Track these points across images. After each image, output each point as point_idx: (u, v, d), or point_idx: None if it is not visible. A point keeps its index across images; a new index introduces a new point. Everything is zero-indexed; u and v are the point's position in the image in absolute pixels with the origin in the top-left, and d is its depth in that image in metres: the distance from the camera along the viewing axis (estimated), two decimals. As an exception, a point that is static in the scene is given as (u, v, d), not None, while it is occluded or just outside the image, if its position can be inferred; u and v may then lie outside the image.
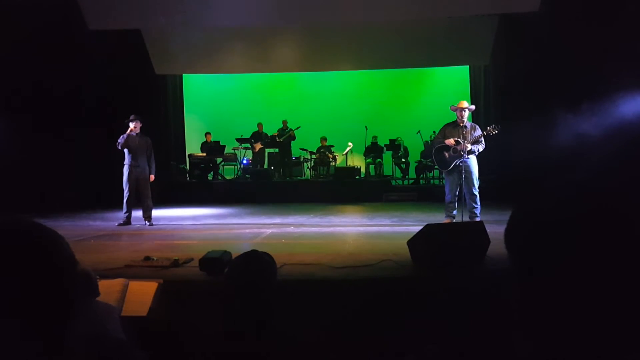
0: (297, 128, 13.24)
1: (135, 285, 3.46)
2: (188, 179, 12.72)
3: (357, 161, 13.74)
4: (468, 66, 13.41)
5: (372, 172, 13.25)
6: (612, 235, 0.68)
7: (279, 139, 13.16)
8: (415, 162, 12.93)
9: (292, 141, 13.40)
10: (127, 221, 7.55)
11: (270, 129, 13.55)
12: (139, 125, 7.56)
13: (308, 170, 13.45)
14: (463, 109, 6.71)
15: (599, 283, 0.68)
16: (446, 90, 13.59)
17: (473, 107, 7.05)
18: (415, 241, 4.26)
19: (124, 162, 7.55)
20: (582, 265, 0.68)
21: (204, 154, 12.74)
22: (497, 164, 10.48)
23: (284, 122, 13.55)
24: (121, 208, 7.56)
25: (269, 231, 6.85)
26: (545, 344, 0.71)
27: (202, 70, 14.05)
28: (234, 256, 2.42)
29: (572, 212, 0.71)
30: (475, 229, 4.32)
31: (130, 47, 11.13)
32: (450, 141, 6.69)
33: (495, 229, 4.36)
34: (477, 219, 6.42)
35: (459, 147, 6.65)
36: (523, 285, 0.75)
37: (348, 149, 13.28)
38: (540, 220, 0.73)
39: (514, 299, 0.76)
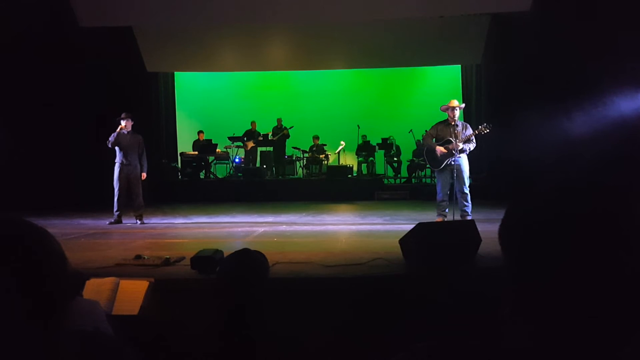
0: (291, 127, 13.23)
1: (126, 284, 3.45)
2: (180, 177, 12.67)
3: (350, 160, 13.75)
4: (460, 65, 13.46)
5: (365, 171, 13.27)
6: (606, 233, 0.69)
7: (273, 137, 13.15)
8: (407, 160, 12.96)
9: (286, 140, 13.39)
10: (118, 220, 7.52)
11: (263, 128, 13.53)
12: (130, 123, 7.52)
13: (300, 168, 13.45)
14: (454, 108, 6.74)
15: (593, 281, 0.68)
16: (438, 89, 13.62)
17: (463, 105, 7.09)
18: (406, 240, 4.27)
19: (115, 160, 7.52)
20: (576, 264, 0.69)
21: (196, 153, 12.70)
22: (488, 162, 10.55)
23: (279, 121, 13.54)
24: (112, 206, 7.52)
25: (261, 230, 6.85)
26: (537, 339, 0.72)
27: (194, 68, 14.00)
28: (225, 255, 2.41)
29: (566, 210, 0.71)
30: (467, 228, 4.34)
31: (122, 45, 11.06)
32: (441, 149, 6.71)
33: (486, 227, 4.39)
34: (469, 218, 6.45)
35: (450, 146, 6.68)
36: (517, 283, 0.75)
37: (340, 147, 13.29)
38: (535, 219, 0.74)
39: (507, 297, 0.77)
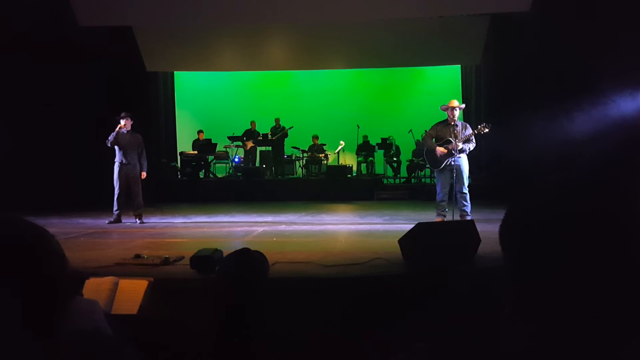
0: (290, 128, 13.23)
1: (125, 284, 3.45)
2: (179, 176, 12.67)
3: (349, 160, 13.75)
4: (460, 65, 13.46)
5: (364, 171, 13.27)
6: (607, 233, 0.69)
7: (272, 137, 13.15)
8: (407, 160, 12.96)
9: (285, 139, 13.39)
10: (118, 219, 7.51)
11: (263, 127, 13.53)
12: (129, 122, 7.51)
13: (300, 168, 13.45)
14: (454, 108, 6.74)
15: (593, 280, 0.68)
16: (438, 90, 13.62)
17: (463, 105, 7.08)
18: (406, 240, 4.27)
19: (114, 160, 7.52)
20: (575, 264, 0.69)
21: (195, 152, 12.69)
22: (488, 162, 10.55)
23: (277, 120, 13.54)
24: (112, 206, 7.52)
25: (260, 229, 6.85)
26: (538, 340, 0.72)
27: (194, 68, 13.99)
28: (225, 254, 2.41)
29: (566, 210, 0.71)
30: (466, 228, 4.34)
31: (121, 44, 11.05)
32: (441, 149, 6.71)
33: (486, 227, 4.39)
34: (468, 218, 6.45)
35: (450, 146, 6.67)
36: (517, 283, 0.75)
37: (340, 147, 13.28)
38: (535, 219, 0.74)
39: (506, 297, 0.77)
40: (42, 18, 8.75)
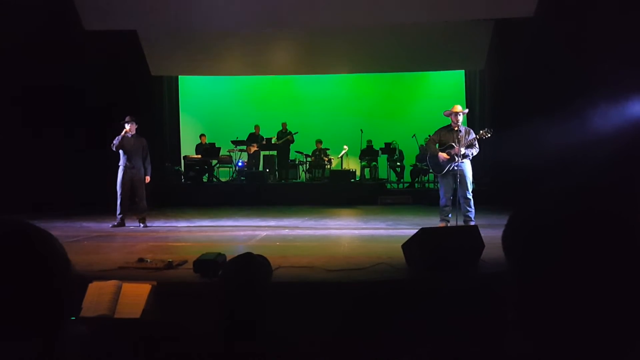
0: (296, 133, 13.24)
1: (128, 287, 3.44)
2: (183, 180, 12.69)
3: (353, 164, 13.75)
4: (463, 70, 13.47)
5: (367, 176, 13.26)
6: (610, 236, 0.69)
7: (277, 141, 13.17)
8: (410, 165, 12.95)
9: (290, 144, 13.41)
10: (121, 222, 7.53)
11: (267, 132, 13.55)
12: (134, 126, 7.54)
13: (303, 173, 13.45)
14: (457, 113, 6.74)
15: (596, 284, 0.68)
16: (441, 95, 13.63)
17: (466, 110, 7.05)
18: (409, 245, 4.27)
19: (119, 164, 7.54)
20: (580, 268, 0.69)
21: (199, 156, 12.72)
22: (492, 168, 10.53)
23: (284, 125, 13.55)
24: (115, 209, 7.53)
25: (263, 233, 6.84)
26: (542, 344, 0.72)
27: (198, 72, 14.04)
28: (228, 258, 2.41)
29: (570, 214, 0.71)
30: (470, 233, 4.34)
31: (126, 48, 11.11)
32: (443, 155, 6.70)
33: (489, 232, 4.37)
34: (472, 223, 6.43)
35: (452, 151, 6.66)
36: (520, 287, 0.75)
37: (343, 152, 13.29)
38: (538, 223, 0.74)
39: (510, 302, 0.76)
40: (47, 21, 8.79)
